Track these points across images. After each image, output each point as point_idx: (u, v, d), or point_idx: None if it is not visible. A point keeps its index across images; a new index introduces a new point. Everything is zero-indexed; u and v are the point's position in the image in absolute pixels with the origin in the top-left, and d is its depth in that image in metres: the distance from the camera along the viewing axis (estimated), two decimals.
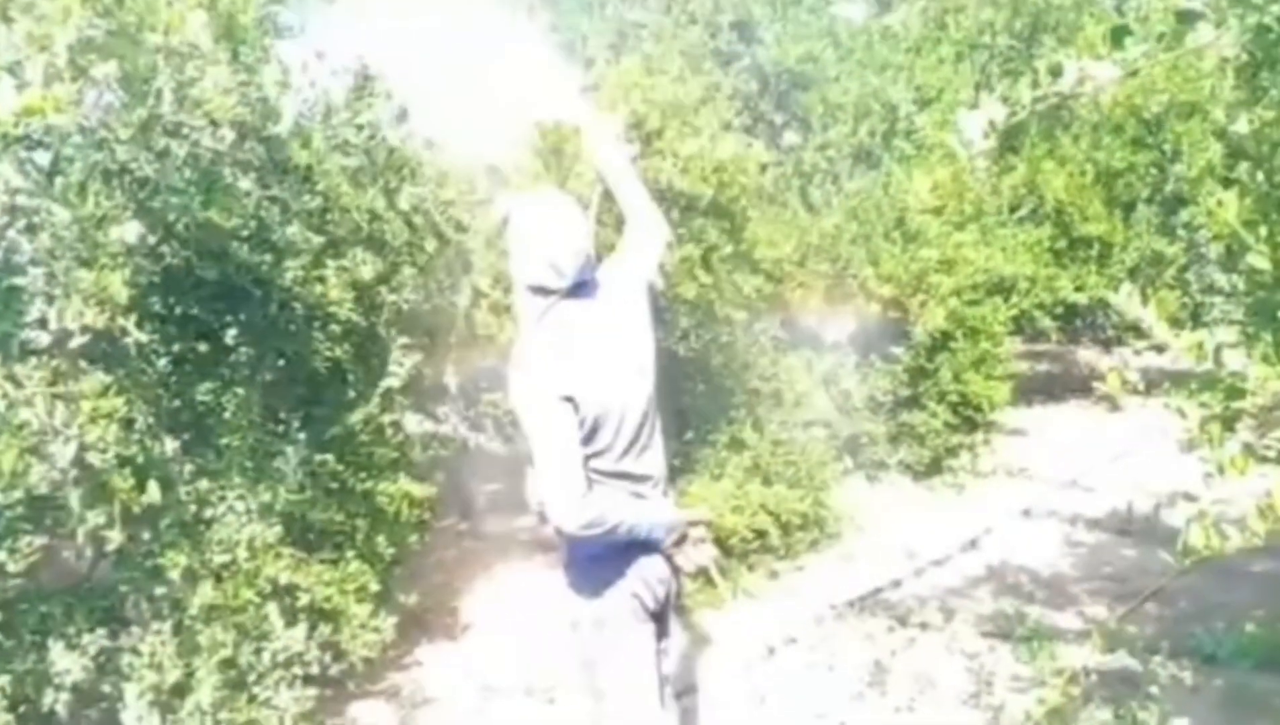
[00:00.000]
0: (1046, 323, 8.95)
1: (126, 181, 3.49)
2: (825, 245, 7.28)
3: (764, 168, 7.32)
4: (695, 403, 6.14)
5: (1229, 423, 2.41)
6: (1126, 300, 2.60)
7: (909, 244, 7.39)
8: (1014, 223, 8.71)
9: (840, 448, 6.92)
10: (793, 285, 6.94)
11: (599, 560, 2.60)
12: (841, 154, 8.86)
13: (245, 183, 4.20)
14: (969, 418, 7.52)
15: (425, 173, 4.73)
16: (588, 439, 2.50)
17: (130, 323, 3.33)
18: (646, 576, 2.65)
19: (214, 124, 3.72)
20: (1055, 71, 2.24)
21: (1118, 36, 2.22)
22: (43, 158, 3.16)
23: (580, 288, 2.61)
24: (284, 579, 3.95)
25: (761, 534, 5.65)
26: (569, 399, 2.45)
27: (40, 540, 3.48)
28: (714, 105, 6.02)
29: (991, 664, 4.59)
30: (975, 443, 7.67)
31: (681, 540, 2.66)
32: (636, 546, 2.60)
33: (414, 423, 6.06)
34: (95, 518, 3.41)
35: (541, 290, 2.59)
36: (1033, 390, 9.47)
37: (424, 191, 4.67)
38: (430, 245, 4.92)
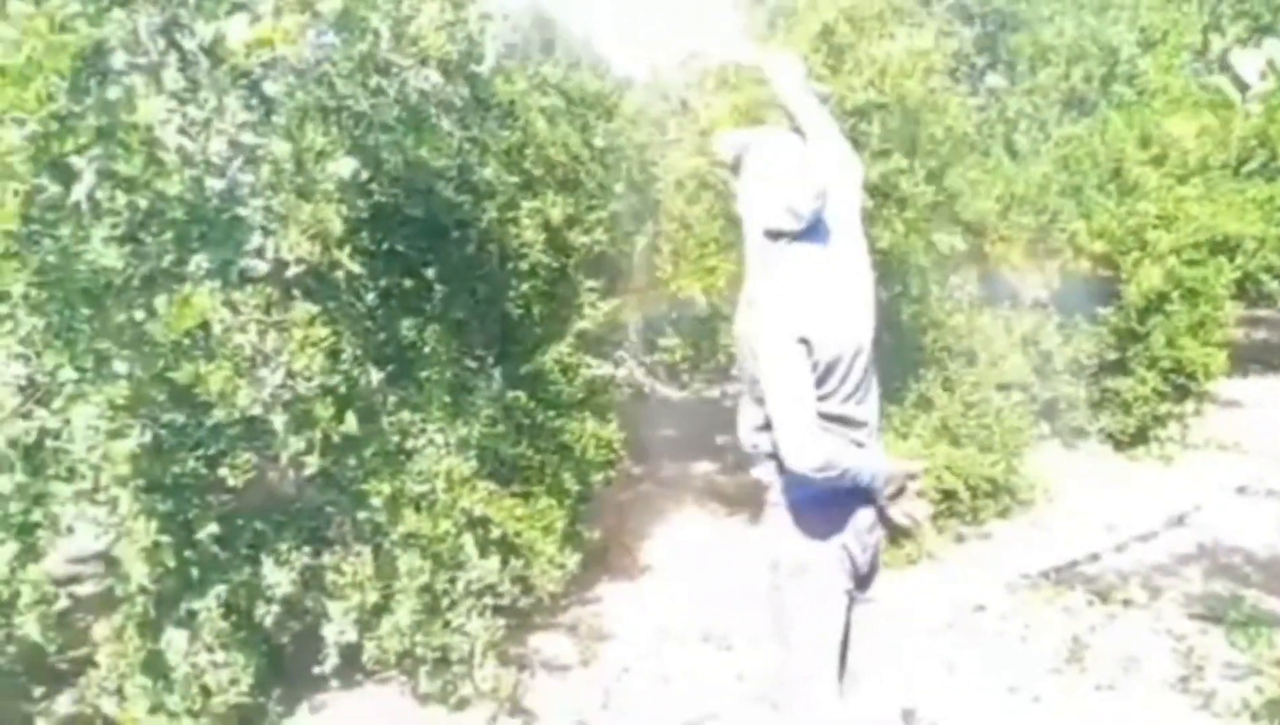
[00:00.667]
0: (1274, 286, 8.18)
1: (343, 117, 3.58)
2: (1031, 196, 6.85)
3: (967, 112, 6.95)
4: (881, 358, 5.87)
5: None
6: None
7: (1125, 197, 6.86)
8: (1243, 177, 7.96)
9: (1037, 412, 6.55)
10: (993, 238, 6.57)
11: (817, 504, 2.54)
12: (1050, 100, 8.29)
13: (448, 123, 4.27)
14: (1181, 386, 6.98)
15: (622, 112, 4.68)
16: (818, 382, 2.47)
17: (344, 255, 3.42)
18: (859, 527, 2.58)
19: (423, 62, 3.78)
20: None
21: None
22: (269, 90, 3.26)
23: (810, 228, 2.55)
24: (478, 511, 4.04)
25: (949, 496, 5.43)
26: (804, 341, 2.42)
27: (252, 459, 3.69)
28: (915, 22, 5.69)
29: (1202, 648, 4.27)
30: (1186, 413, 7.12)
31: (900, 493, 2.56)
32: (856, 494, 2.53)
33: (592, 366, 6.14)
34: (297, 443, 3.57)
35: (777, 233, 2.53)
36: (1249, 358, 8.74)
37: (618, 128, 4.63)
38: (620, 187, 4.89)
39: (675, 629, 4.66)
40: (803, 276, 2.52)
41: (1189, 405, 7.17)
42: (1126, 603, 4.80)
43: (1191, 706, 3.97)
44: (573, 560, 4.30)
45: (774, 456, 2.52)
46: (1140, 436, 6.89)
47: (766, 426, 2.49)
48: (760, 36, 5.39)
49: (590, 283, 4.66)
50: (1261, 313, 9.68)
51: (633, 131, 4.72)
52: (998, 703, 3.98)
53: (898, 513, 2.56)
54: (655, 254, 5.42)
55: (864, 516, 2.58)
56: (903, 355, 5.94)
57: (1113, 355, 6.83)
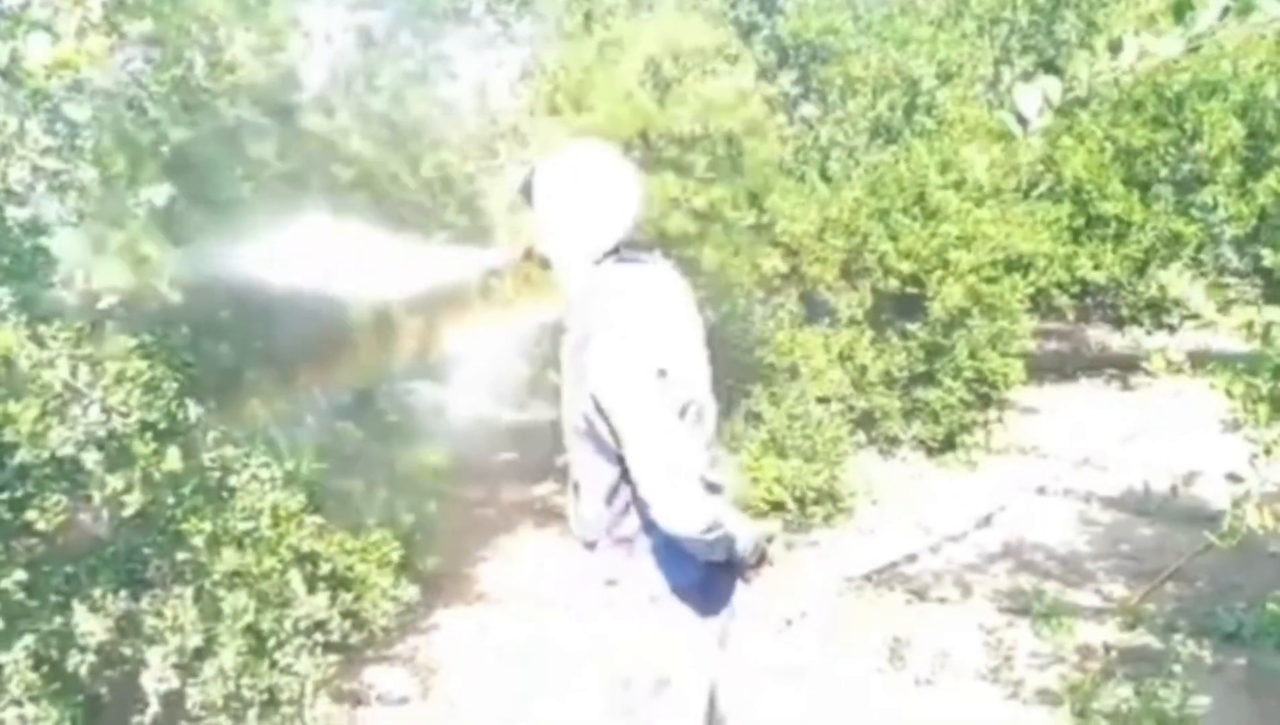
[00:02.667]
0: (1064, 301, 8.90)
1: (155, 144, 3.45)
2: (843, 219, 7.23)
3: (784, 140, 7.29)
4: (713, 376, 6.11)
5: (1277, 403, 2.39)
6: (1175, 279, 2.58)
7: (929, 220, 7.33)
8: (1032, 200, 8.65)
9: (855, 423, 6.90)
10: (810, 259, 6.90)
11: (690, 592, 2.06)
12: (859, 128, 8.79)
13: (266, 153, 4.17)
14: (984, 394, 7.50)
15: (448, 142, 4.68)
16: None
17: (163, 284, 3.30)
18: (732, 611, 2.15)
19: (237, 92, 3.69)
20: (1115, 47, 2.19)
21: (1179, 10, 2.17)
22: (72, 113, 3.11)
23: (631, 250, 2.18)
24: (306, 547, 3.94)
25: (777, 506, 5.65)
26: (662, 373, 1.99)
27: (63, 502, 3.49)
28: (732, 54, 5.95)
29: (1010, 640, 4.59)
30: (989, 419, 7.65)
31: (760, 560, 2.16)
32: (727, 575, 2.11)
33: (428, 392, 6.08)
34: (115, 482, 3.40)
35: (598, 251, 2.12)
36: (1044, 368, 9.44)
37: (447, 159, 4.64)
38: (451, 214, 4.88)
39: (513, 653, 4.66)
40: (642, 299, 2.10)
41: (992, 412, 7.71)
42: (941, 600, 5.12)
43: (1002, 696, 4.27)
44: (409, 592, 4.24)
45: (625, 540, 2.05)
46: (949, 443, 7.36)
47: (614, 496, 2.03)
48: (587, 68, 5.50)
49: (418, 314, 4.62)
50: (1052, 326, 10.47)
51: (460, 163, 4.72)
52: (824, 702, 4.17)
53: (751, 574, 2.17)
54: (494, 278, 5.42)
55: (733, 596, 2.15)
56: (733, 372, 6.16)
57: (921, 367, 7.27)
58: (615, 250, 2.13)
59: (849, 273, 7.33)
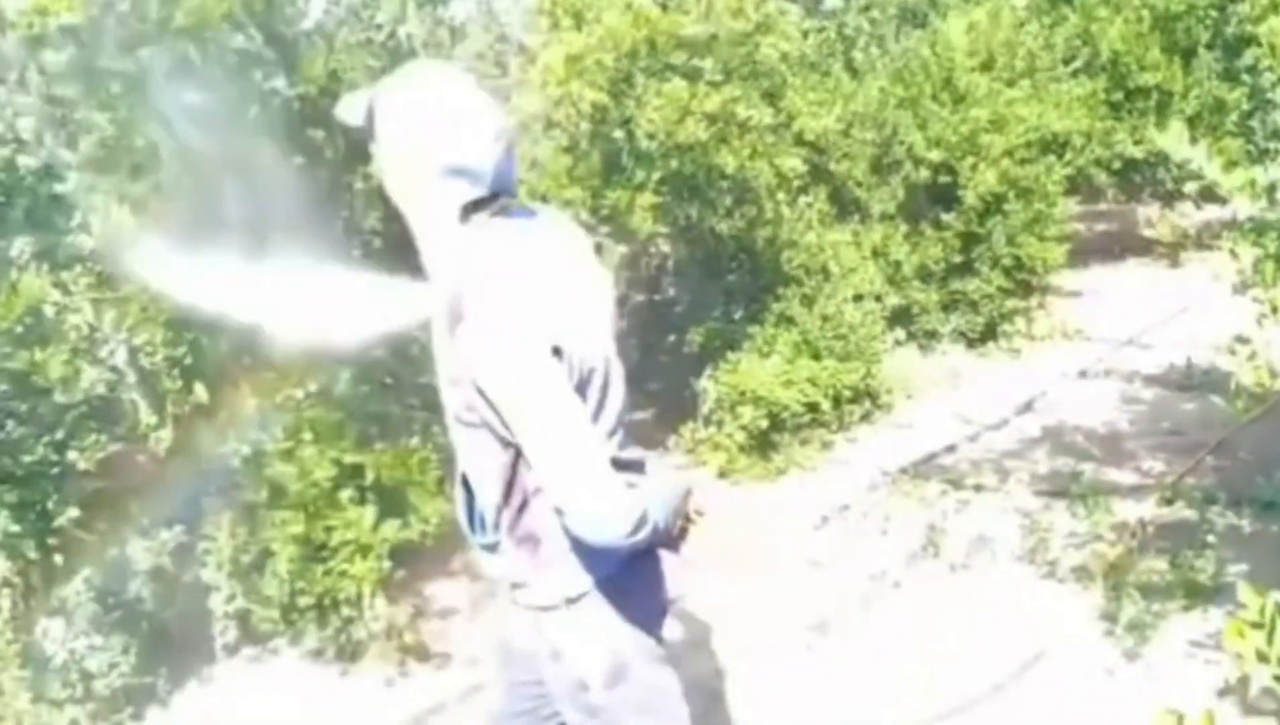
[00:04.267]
0: (1103, 180, 8.65)
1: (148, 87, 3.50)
2: (870, 112, 7.07)
3: (805, 34, 7.11)
4: (741, 281, 6.09)
5: None
6: (1175, 141, 2.51)
7: (958, 105, 7.14)
8: (1068, 76, 8.35)
9: (891, 319, 6.84)
10: (838, 156, 6.77)
11: (618, 580, 1.87)
12: (886, 15, 8.54)
13: (277, 83, 4.20)
14: (1024, 281, 7.36)
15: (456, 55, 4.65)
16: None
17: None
18: (665, 589, 1.98)
19: (237, 25, 3.70)
20: None
21: None
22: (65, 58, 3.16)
23: (506, 199, 1.85)
24: (349, 459, 4.05)
25: (813, 407, 5.66)
26: (557, 351, 1.72)
27: (105, 439, 3.64)
28: None
29: (1047, 522, 4.60)
30: (1030, 307, 7.52)
31: (687, 523, 1.99)
32: (651, 552, 1.91)
33: None
34: (148, 417, 3.54)
35: (465, 205, 1.79)
36: (1090, 251, 9.23)
37: None
38: None
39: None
40: (524, 261, 1.79)
41: (1033, 299, 7.58)
42: (978, 488, 5.12)
43: (1038, 575, 4.30)
44: (450, 507, 4.34)
45: (529, 539, 1.83)
46: (989, 333, 7.26)
47: (511, 491, 1.81)
48: None
49: None
50: (1099, 207, 10.21)
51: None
52: (859, 590, 4.23)
53: (680, 541, 2.01)
54: None
55: (666, 570, 1.96)
56: (762, 276, 6.13)
57: (958, 258, 7.15)
58: (487, 201, 1.79)
59: (879, 167, 7.18)
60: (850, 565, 4.46)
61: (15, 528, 3.28)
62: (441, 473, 4.52)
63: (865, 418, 6.09)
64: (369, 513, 4.00)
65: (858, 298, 6.42)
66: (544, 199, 5.09)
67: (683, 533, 1.99)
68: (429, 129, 1.77)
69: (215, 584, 3.83)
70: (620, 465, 1.81)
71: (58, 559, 3.63)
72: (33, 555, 3.44)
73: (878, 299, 6.73)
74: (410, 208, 1.85)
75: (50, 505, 3.60)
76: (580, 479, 1.70)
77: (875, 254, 6.91)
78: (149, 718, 3.85)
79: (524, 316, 1.71)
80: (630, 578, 1.87)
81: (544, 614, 1.89)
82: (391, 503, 4.17)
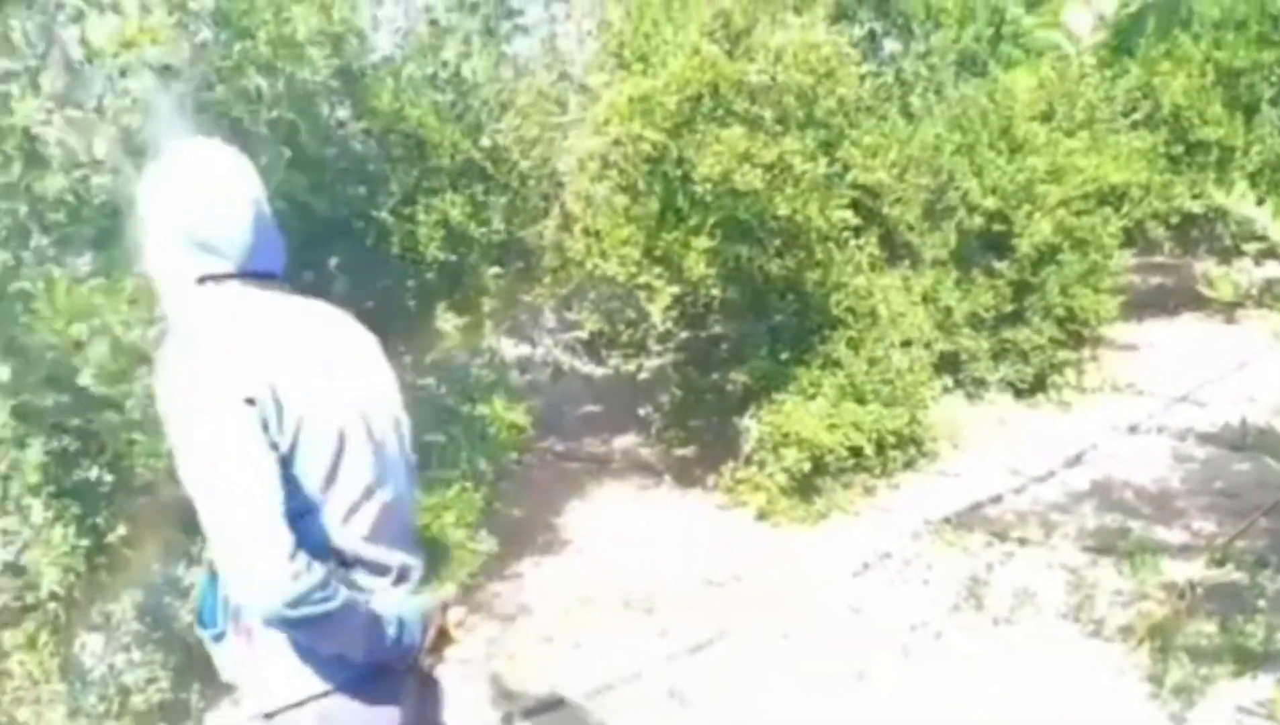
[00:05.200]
0: (1160, 233, 8.55)
1: (221, 121, 3.61)
2: (926, 157, 7.07)
3: (863, 79, 7.14)
4: (788, 322, 6.09)
5: None
6: (1239, 200, 2.49)
7: (1015, 154, 7.12)
8: (1128, 128, 8.29)
9: (939, 366, 6.80)
10: (891, 200, 6.77)
11: (346, 696, 1.68)
12: (945, 61, 8.54)
13: (342, 112, 4.31)
14: (1075, 332, 7.29)
15: (516, 103, 4.74)
16: (289, 473, 1.63)
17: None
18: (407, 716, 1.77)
19: (307, 60, 3.81)
20: None
21: None
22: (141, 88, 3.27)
23: (264, 277, 1.77)
24: None
25: (856, 452, 5.63)
26: (251, 401, 1.58)
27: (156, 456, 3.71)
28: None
29: (1094, 578, 4.53)
30: (1082, 358, 7.45)
31: (442, 639, 1.80)
32: (392, 672, 1.73)
33: (509, 347, 6.23)
34: None
35: (197, 264, 1.72)
36: (1144, 304, 9.12)
37: (505, 126, 4.70)
38: (514, 182, 4.96)
39: (596, 598, 4.79)
40: (252, 313, 1.71)
41: (1085, 351, 7.50)
42: (1023, 541, 5.06)
43: (1082, 634, 4.23)
44: (488, 544, 4.39)
45: (245, 628, 1.68)
46: (1039, 383, 7.19)
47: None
48: (655, 21, 5.48)
49: (495, 270, 4.73)
50: (1154, 260, 10.08)
51: (528, 125, 4.77)
52: (899, 639, 4.19)
53: (432, 660, 1.82)
54: (565, 234, 5.50)
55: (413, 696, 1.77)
56: (809, 317, 6.13)
57: (1009, 307, 7.10)
58: (238, 276, 1.73)
59: (932, 213, 7.17)
60: (891, 614, 4.41)
61: (82, 542, 3.35)
62: (481, 509, 4.59)
63: (909, 464, 6.05)
64: None
65: (905, 343, 6.39)
66: (598, 236, 5.15)
67: (435, 648, 1.78)
68: (170, 200, 1.74)
69: None
70: (361, 564, 1.68)
71: (104, 575, 3.70)
72: (81, 569, 3.51)
73: (926, 345, 6.68)
74: (154, 269, 1.79)
75: (100, 521, 3.68)
76: (234, 533, 1.54)
77: (925, 299, 6.87)
78: None
79: (213, 362, 1.60)
80: (359, 694, 1.68)
81: None
82: (425, 547, 4.21)
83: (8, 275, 3.07)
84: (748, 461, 5.66)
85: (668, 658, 4.18)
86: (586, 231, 5.06)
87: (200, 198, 1.73)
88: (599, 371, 7.38)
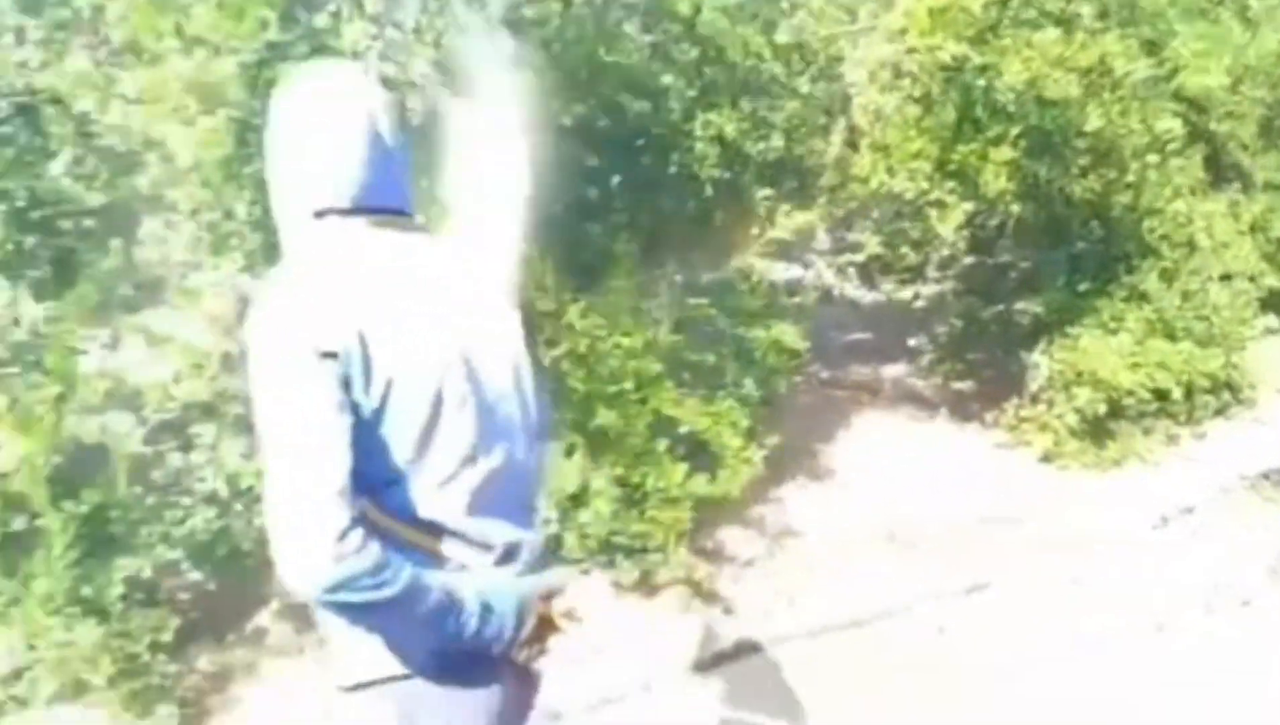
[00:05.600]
0: None
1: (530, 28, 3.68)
2: (1264, 67, 6.22)
3: None
4: (1090, 249, 5.59)
5: None
6: None
7: None
8: None
9: (1265, 303, 6.05)
10: (1220, 114, 6.02)
11: (430, 675, 1.52)
12: None
13: (630, 27, 4.31)
14: None
15: (809, 5, 4.55)
16: (374, 434, 1.46)
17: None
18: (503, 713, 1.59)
19: None
20: None
21: None
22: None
23: (386, 214, 1.60)
24: (666, 411, 4.17)
25: (1161, 395, 5.13)
26: (330, 355, 1.41)
27: None
28: None
29: None
30: None
31: (545, 629, 1.58)
32: (484, 665, 1.55)
33: (780, 269, 6.11)
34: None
35: (319, 210, 1.57)
36: None
37: (802, 23, 4.52)
38: (804, 85, 4.79)
39: (862, 528, 4.68)
40: (357, 255, 1.55)
41: None
42: None
43: None
44: (758, 457, 4.37)
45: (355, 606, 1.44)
46: None
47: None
48: None
49: (767, 191, 4.61)
50: None
51: (818, 24, 4.58)
52: (1203, 603, 3.81)
53: (532, 651, 1.58)
54: (851, 150, 5.28)
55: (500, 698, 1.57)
56: (1116, 245, 5.61)
57: None
58: (358, 212, 1.56)
59: (1268, 130, 6.33)
60: (1193, 571, 4.04)
61: None
62: (751, 424, 4.57)
63: (1221, 411, 5.46)
64: (680, 468, 4.10)
65: (1227, 277, 5.74)
66: (886, 150, 4.91)
67: (538, 639, 1.57)
68: (279, 127, 1.62)
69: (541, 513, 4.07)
70: (460, 538, 1.51)
71: None
72: None
73: (1251, 279, 5.97)
74: (275, 205, 1.65)
75: None
76: (279, 504, 1.39)
77: (1254, 228, 6.13)
78: None
79: (291, 310, 1.45)
80: (444, 679, 1.52)
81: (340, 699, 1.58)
82: (701, 454, 4.25)
83: None
84: (1034, 399, 5.30)
85: (938, 595, 4.02)
86: (874, 146, 4.81)
87: (308, 125, 1.59)
88: (869, 297, 7.14)
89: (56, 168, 3.84)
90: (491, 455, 1.54)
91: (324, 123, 1.58)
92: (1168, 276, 5.47)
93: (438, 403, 1.48)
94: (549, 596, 1.59)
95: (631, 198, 4.58)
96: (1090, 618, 3.78)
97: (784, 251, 6.06)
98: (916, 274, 5.89)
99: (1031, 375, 5.29)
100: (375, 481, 1.45)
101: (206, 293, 3.64)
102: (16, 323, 3.73)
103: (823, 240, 6.29)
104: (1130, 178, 5.49)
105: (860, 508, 4.85)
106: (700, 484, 4.12)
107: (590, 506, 4.08)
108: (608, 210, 4.56)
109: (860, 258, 6.17)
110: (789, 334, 4.93)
